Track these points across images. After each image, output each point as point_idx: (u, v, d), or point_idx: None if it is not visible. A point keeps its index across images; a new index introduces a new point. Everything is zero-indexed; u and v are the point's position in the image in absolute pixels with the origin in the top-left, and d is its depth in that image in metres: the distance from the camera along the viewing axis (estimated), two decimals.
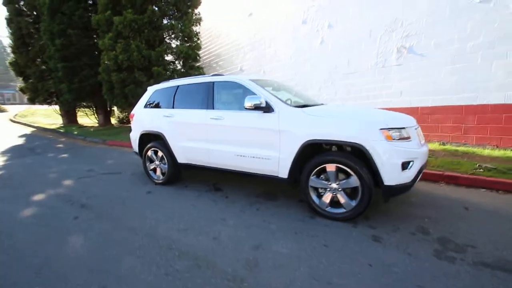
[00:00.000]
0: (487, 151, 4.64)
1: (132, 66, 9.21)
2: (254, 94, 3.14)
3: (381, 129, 2.43)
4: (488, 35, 4.59)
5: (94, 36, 11.68)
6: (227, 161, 3.35)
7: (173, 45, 10.14)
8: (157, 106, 4.19)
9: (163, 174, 4.11)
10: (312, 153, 2.81)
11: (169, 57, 10.46)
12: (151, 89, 4.40)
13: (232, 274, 1.91)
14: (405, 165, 2.43)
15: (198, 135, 3.58)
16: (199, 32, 10.95)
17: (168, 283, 1.85)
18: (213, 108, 3.48)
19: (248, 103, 2.92)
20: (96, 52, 11.45)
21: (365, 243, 2.26)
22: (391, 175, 2.40)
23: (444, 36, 5.12)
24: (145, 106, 4.34)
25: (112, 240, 2.48)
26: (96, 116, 13.77)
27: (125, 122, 15.17)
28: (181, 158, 3.82)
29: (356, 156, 2.55)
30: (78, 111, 15.16)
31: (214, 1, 11.80)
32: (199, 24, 10.81)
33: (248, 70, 10.25)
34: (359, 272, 1.89)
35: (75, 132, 11.28)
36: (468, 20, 4.80)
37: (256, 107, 2.93)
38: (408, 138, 2.53)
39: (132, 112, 4.55)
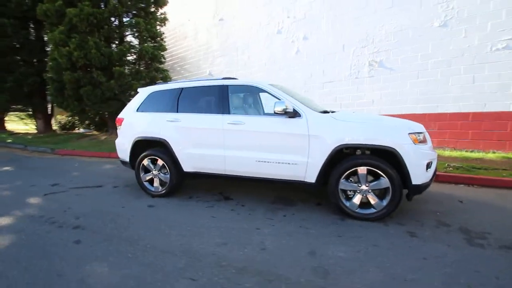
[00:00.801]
0: (447, 153, 5.46)
1: (89, 65, 8.16)
2: (278, 99, 3.12)
3: (409, 133, 2.67)
4: (445, 55, 5.47)
5: (36, 27, 10.01)
6: (247, 168, 3.22)
7: (136, 44, 9.34)
8: (155, 109, 3.80)
9: (162, 185, 3.73)
10: (340, 158, 2.91)
11: (129, 57, 9.61)
12: (145, 91, 3.98)
13: (311, 285, 1.84)
14: (428, 165, 2.71)
15: (211, 141, 3.36)
16: (163, 33, 10.36)
17: None
18: (229, 113, 3.33)
19: (278, 107, 2.88)
20: (39, 47, 9.82)
21: (406, 239, 2.43)
22: (418, 175, 2.65)
23: (410, 53, 5.90)
24: (138, 110, 3.90)
25: (148, 264, 2.14)
26: (35, 122, 11.71)
27: (69, 128, 13.28)
28: (187, 167, 3.53)
29: (384, 159, 2.74)
30: (6, 115, 12.67)
31: (180, 2, 11.35)
32: (165, 24, 10.24)
33: (218, 75, 10.06)
34: (421, 266, 2.02)
35: (9, 140, 9.40)
36: (428, 41, 5.64)
37: (285, 112, 2.92)
38: (425, 141, 2.83)
39: (120, 116, 4.03)
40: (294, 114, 2.98)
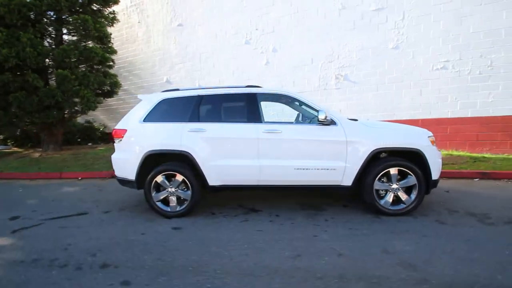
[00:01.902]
0: None
1: (22, 66, 6.59)
2: (311, 107, 3.25)
3: (428, 136, 3.16)
4: (398, 72, 6.58)
5: None
6: (285, 177, 3.21)
7: (82, 45, 8.02)
8: (169, 119, 3.39)
9: (180, 203, 3.34)
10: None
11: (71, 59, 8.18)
12: (152, 99, 3.51)
13: (413, 279, 1.98)
14: (441, 163, 3.25)
15: (243, 152, 3.21)
16: (111, 33, 9.22)
17: None
18: (262, 122, 3.27)
19: (321, 116, 3.01)
20: None
21: (441, 227, 2.84)
22: (436, 172, 3.15)
23: (370, 69, 6.87)
24: (146, 120, 3.40)
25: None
26: None
27: None
28: (214, 180, 3.27)
29: (408, 160, 3.15)
30: None
31: (127, 2, 10.32)
32: (113, 24, 9.15)
33: (178, 82, 9.52)
34: (472, 246, 2.40)
35: None
36: (385, 60, 6.69)
37: (325, 120, 3.05)
38: (434, 142, 3.38)
39: (120, 127, 3.44)
40: (331, 122, 3.14)
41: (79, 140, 10.55)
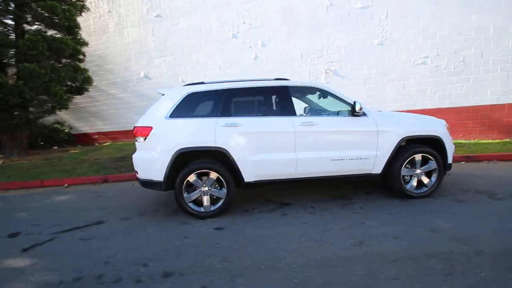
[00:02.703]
0: None
1: None
2: (342, 99, 3.34)
3: (444, 124, 3.46)
4: (383, 67, 7.05)
5: None
6: (321, 168, 3.26)
7: (50, 35, 7.05)
8: (198, 114, 3.20)
9: (213, 202, 3.19)
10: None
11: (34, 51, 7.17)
12: (176, 93, 3.26)
13: (472, 251, 2.19)
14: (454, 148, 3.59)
15: (281, 145, 3.19)
16: (79, 23, 8.30)
17: None
18: (295, 114, 3.26)
19: (358, 107, 3.11)
20: None
21: (463, 206, 3.15)
22: (451, 156, 3.48)
23: (357, 64, 7.24)
24: (172, 116, 3.16)
25: (331, 283, 1.92)
26: None
27: None
28: (250, 176, 3.18)
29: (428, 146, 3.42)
30: None
31: None
32: (82, 13, 8.25)
33: (157, 78, 9.01)
34: (499, 220, 2.72)
35: None
36: (371, 55, 7.11)
37: (360, 111, 3.17)
38: (449, 129, 3.69)
39: (144, 124, 3.15)
40: (362, 113, 3.27)
41: (42, 143, 9.34)
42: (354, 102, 3.20)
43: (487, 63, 6.30)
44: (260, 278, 2.01)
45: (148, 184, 3.22)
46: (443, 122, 3.54)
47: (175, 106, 3.18)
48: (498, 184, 3.76)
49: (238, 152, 3.12)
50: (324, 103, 3.78)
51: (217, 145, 3.08)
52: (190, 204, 3.16)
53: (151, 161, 3.12)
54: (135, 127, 3.23)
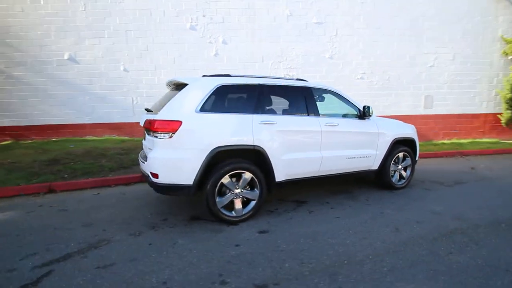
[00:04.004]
0: None
1: None
2: (351, 103, 3.71)
3: (414, 128, 4.34)
4: (332, 78, 8.05)
5: None
6: (339, 166, 3.53)
7: None
8: (230, 109, 2.91)
9: (244, 205, 2.99)
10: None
11: None
12: (207, 84, 2.87)
13: (487, 220, 2.92)
14: None
15: (309, 144, 3.28)
16: None
17: None
18: (319, 115, 3.41)
19: (371, 111, 3.53)
20: None
21: (432, 192, 4.02)
22: (418, 153, 4.39)
23: (312, 73, 8.00)
24: (202, 110, 2.76)
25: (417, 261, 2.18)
26: None
27: None
28: (281, 175, 3.14)
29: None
30: None
31: None
32: None
33: (89, 63, 7.53)
34: (472, 200, 3.65)
35: None
36: (323, 66, 8.01)
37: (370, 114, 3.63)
38: None
39: (172, 118, 2.63)
40: (369, 116, 3.74)
41: None
42: (364, 107, 3.63)
43: (403, 83, 8.16)
44: (354, 272, 2.08)
45: (171, 189, 2.71)
46: (414, 126, 4.43)
47: (205, 99, 2.80)
48: (439, 176, 4.94)
49: (273, 150, 3.03)
50: (325, 105, 4.10)
51: (255, 144, 2.90)
52: (222, 209, 2.84)
53: (180, 161, 2.64)
54: (155, 120, 2.65)
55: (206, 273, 2.07)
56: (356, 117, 3.74)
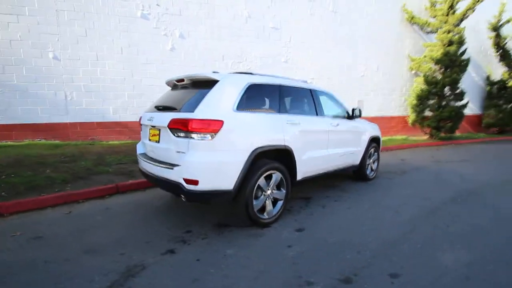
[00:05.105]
0: None
1: None
2: (341, 105, 4.13)
3: (378, 127, 5.14)
4: None
5: None
6: (336, 162, 3.87)
7: None
8: (261, 108, 2.81)
9: (273, 205, 2.97)
10: None
11: None
12: (239, 81, 2.71)
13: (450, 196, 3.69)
14: None
15: (321, 143, 3.50)
16: None
17: None
18: (324, 115, 3.66)
19: (360, 113, 4.01)
20: None
21: (396, 181, 4.84)
22: (380, 147, 5.22)
23: None
24: (238, 108, 2.58)
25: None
26: None
27: None
28: (300, 174, 3.24)
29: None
30: None
31: None
32: None
33: (7, 47, 5.77)
34: (434, 183, 4.57)
35: None
36: (279, 70, 8.41)
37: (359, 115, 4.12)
38: None
39: (213, 117, 2.36)
40: (357, 117, 4.23)
41: None
42: (353, 109, 4.10)
43: (343, 89, 9.41)
44: (406, 249, 2.36)
45: (212, 196, 2.42)
46: (378, 127, 5.24)
47: (240, 97, 2.63)
48: (384, 167, 5.96)
49: (298, 151, 3.09)
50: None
51: (286, 144, 2.90)
52: (257, 213, 2.73)
53: (224, 164, 2.40)
54: (191, 119, 2.32)
55: (284, 277, 1.99)
56: (345, 118, 4.18)
